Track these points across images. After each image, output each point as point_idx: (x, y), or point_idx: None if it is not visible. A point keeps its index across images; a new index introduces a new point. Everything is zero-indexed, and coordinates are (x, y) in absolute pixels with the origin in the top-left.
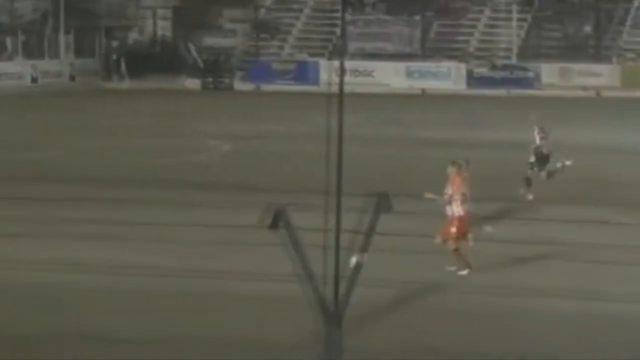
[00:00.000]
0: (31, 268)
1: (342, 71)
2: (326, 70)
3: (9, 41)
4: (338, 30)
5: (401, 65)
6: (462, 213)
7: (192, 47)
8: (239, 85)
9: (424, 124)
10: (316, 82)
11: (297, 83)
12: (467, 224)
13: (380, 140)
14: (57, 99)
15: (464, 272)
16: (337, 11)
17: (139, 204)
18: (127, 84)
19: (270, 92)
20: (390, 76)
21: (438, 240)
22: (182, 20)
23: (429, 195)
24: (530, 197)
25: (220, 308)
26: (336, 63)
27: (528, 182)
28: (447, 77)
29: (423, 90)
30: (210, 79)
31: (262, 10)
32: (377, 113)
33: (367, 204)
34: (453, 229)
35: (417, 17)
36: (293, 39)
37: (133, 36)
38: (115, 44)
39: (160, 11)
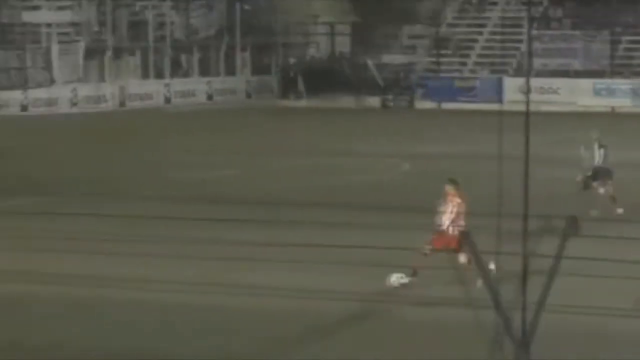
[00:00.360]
0: (194, 290)
1: (528, 89)
2: (510, 88)
3: (184, 58)
4: (522, 46)
5: (588, 82)
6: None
7: (371, 64)
8: (419, 103)
9: (612, 145)
10: (499, 99)
11: (480, 101)
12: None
13: (565, 161)
14: (233, 117)
15: (405, 280)
16: (521, 26)
17: (316, 225)
18: (304, 102)
19: (451, 109)
20: (577, 94)
21: (462, 259)
22: (360, 36)
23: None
24: (595, 212)
25: (402, 333)
26: (521, 80)
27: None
28: (638, 95)
29: (612, 108)
30: (390, 97)
31: (443, 26)
32: (563, 132)
33: (553, 227)
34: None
35: (605, 32)
36: (475, 55)
37: (310, 53)
38: (292, 61)
39: (338, 27)
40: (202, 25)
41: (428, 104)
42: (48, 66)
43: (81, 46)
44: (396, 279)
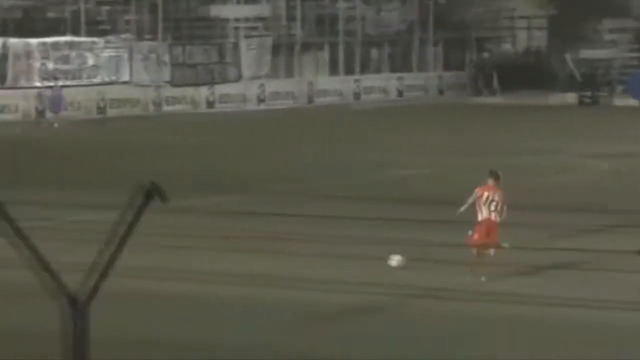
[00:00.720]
0: (345, 290)
1: None
2: None
3: (374, 53)
4: None
5: None
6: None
7: (568, 59)
8: (618, 99)
9: None
10: None
11: None
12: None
13: None
14: (425, 114)
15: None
16: None
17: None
18: (498, 98)
19: None
20: None
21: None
22: (558, 30)
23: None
24: None
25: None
26: None
27: None
28: None
29: None
30: (587, 94)
31: None
32: None
33: None
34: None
35: None
36: None
37: (505, 48)
38: (486, 56)
39: (534, 21)
40: (394, 20)
41: (628, 101)
42: (236, 62)
43: (269, 41)
44: (397, 262)
